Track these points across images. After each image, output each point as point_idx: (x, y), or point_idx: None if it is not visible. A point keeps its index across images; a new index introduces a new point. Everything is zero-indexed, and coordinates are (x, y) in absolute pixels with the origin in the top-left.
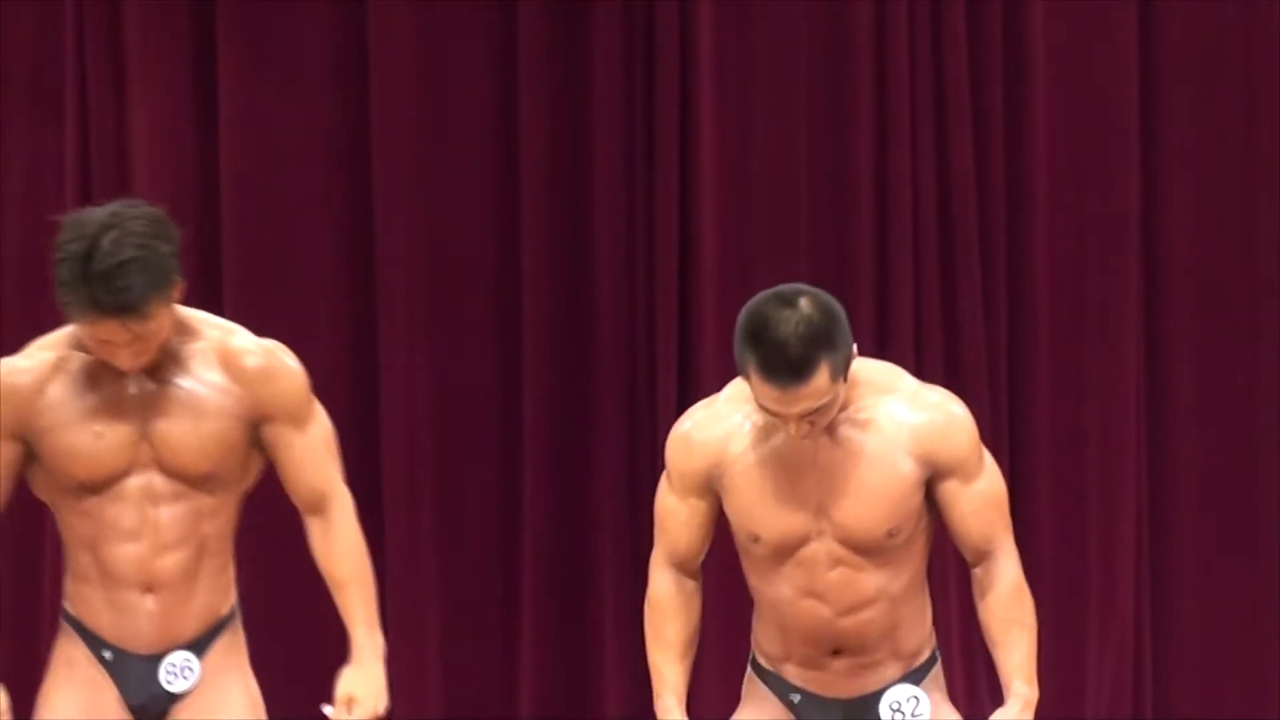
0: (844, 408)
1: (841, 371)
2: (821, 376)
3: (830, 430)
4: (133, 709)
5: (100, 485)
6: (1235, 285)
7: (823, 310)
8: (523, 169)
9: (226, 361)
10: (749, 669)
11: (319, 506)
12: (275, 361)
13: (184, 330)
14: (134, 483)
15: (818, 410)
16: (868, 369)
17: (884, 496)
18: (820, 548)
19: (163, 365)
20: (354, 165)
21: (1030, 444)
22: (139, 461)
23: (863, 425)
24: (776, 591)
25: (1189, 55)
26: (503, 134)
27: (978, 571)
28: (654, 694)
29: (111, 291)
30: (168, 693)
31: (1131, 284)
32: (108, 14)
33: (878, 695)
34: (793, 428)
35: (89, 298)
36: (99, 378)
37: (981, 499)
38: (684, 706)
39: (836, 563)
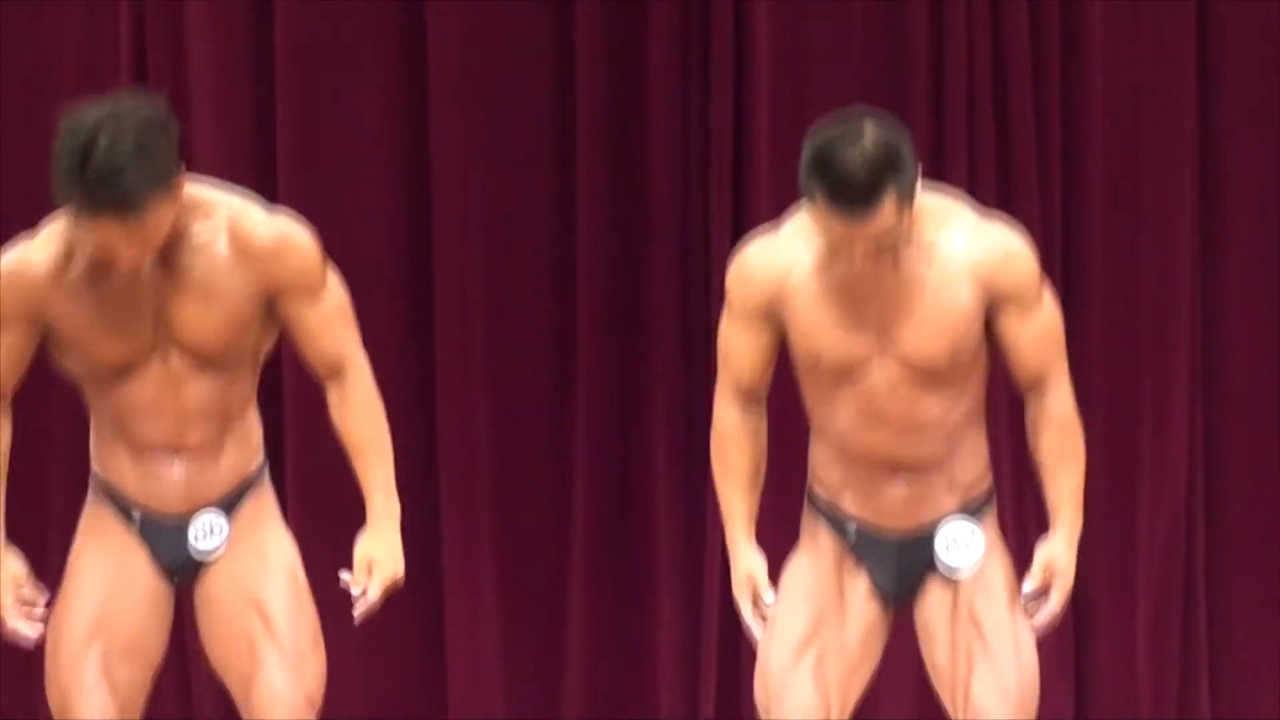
0: (908, 238)
1: (907, 198)
2: (888, 204)
3: (893, 258)
4: (165, 568)
5: (121, 368)
6: None
7: (888, 137)
8: (578, 79)
9: (237, 239)
10: (806, 504)
11: (335, 374)
12: (285, 237)
13: (195, 208)
14: (154, 364)
15: (885, 238)
16: (931, 200)
17: (946, 323)
18: (881, 372)
19: (175, 246)
20: (411, 44)
21: (1084, 317)
22: (157, 344)
23: (925, 254)
24: (837, 416)
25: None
26: (560, 41)
27: (1031, 403)
28: (724, 524)
29: (108, 191)
30: (198, 551)
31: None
32: None
33: (933, 529)
34: (859, 251)
35: (85, 198)
36: (113, 278)
37: (1038, 329)
38: (754, 536)
39: (897, 387)
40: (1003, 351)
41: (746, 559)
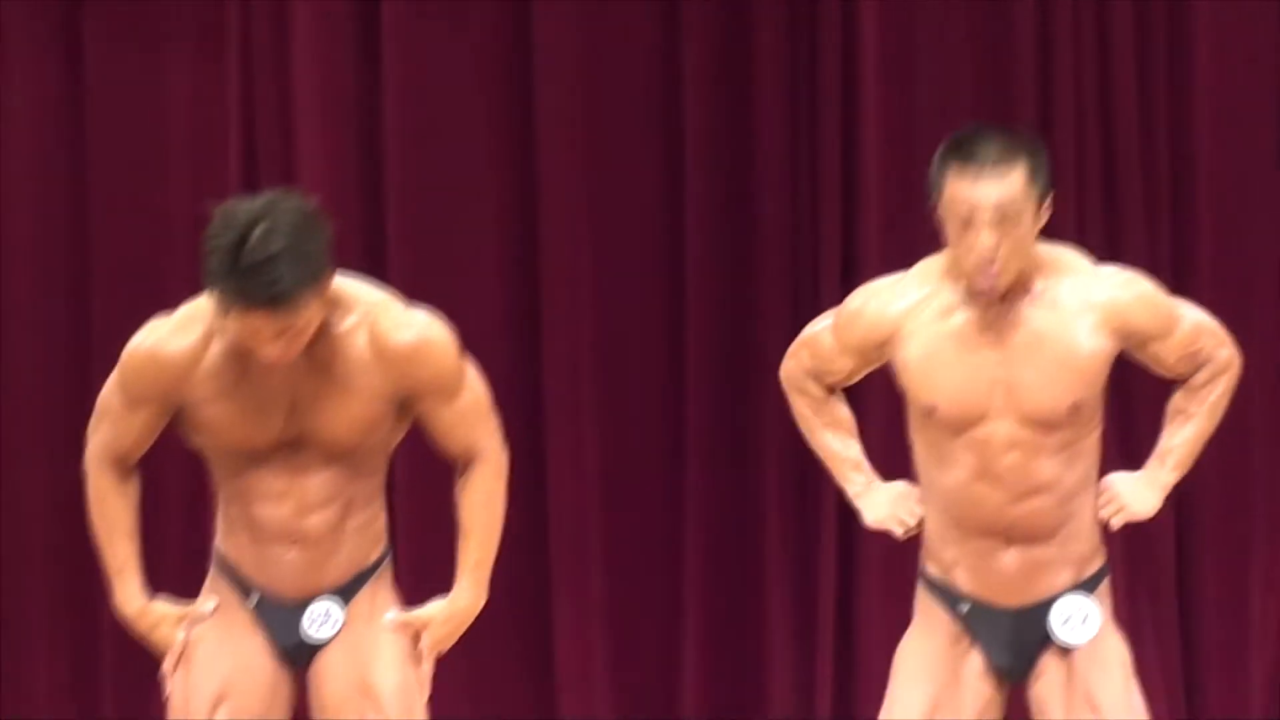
0: (1026, 288)
1: (1038, 189)
2: (1019, 174)
3: (1012, 306)
4: (282, 652)
5: (249, 455)
6: None
7: (1028, 135)
8: (685, 104)
9: (376, 340)
10: (919, 583)
11: (467, 463)
12: (424, 342)
13: (336, 305)
14: (282, 453)
15: (1010, 221)
16: (1049, 250)
17: (1068, 371)
18: (997, 427)
19: (315, 341)
20: (517, 92)
21: None
22: (288, 434)
23: (1046, 303)
24: (949, 478)
25: None
26: (666, 60)
27: None
28: (838, 475)
29: (261, 284)
30: (311, 637)
31: None
32: None
33: (1047, 605)
34: (984, 239)
35: (238, 289)
36: (249, 366)
37: (1183, 343)
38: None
39: (1012, 445)
40: (1158, 371)
41: (871, 510)
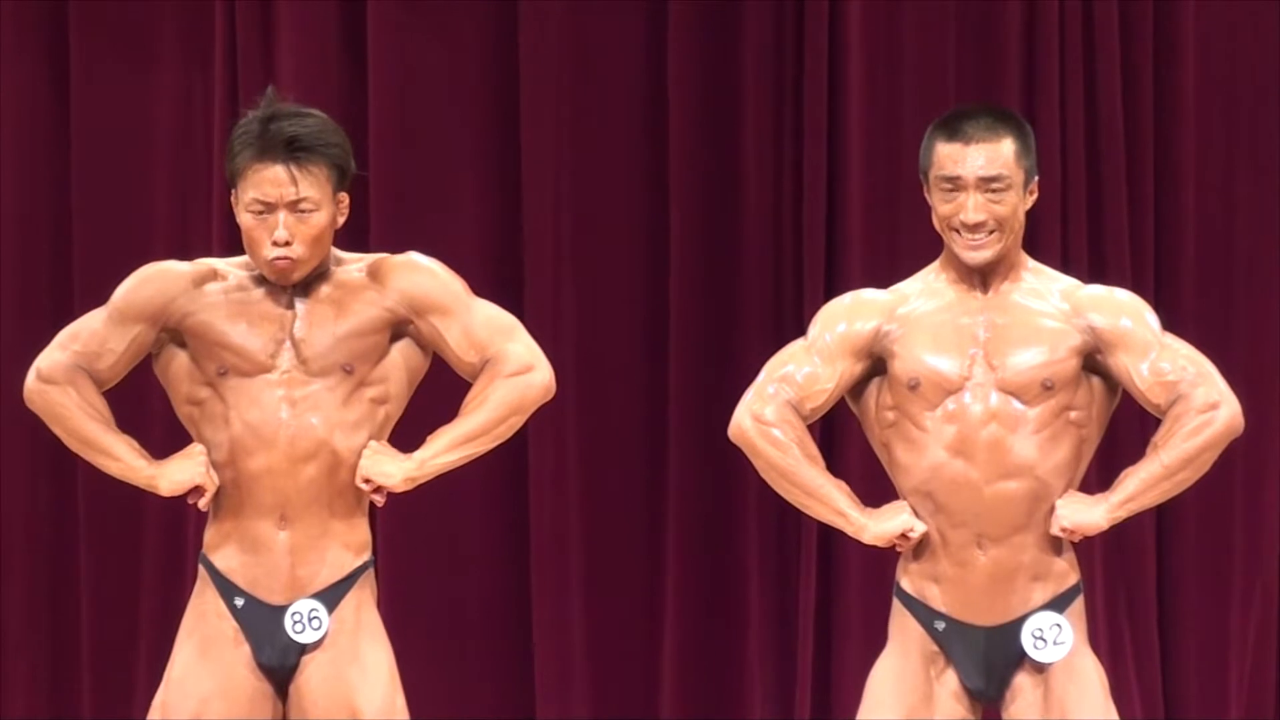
0: (1015, 275)
1: (1026, 164)
2: (1007, 144)
3: (998, 290)
4: (264, 669)
5: (243, 370)
6: None
7: (1016, 114)
8: (670, 107)
9: (373, 266)
10: (894, 600)
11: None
12: (418, 260)
13: (339, 261)
14: (273, 379)
15: (997, 189)
16: (1047, 268)
17: (1042, 344)
18: (976, 396)
19: (315, 285)
20: (501, 98)
21: None
22: (279, 357)
23: (1030, 293)
24: (926, 458)
25: None
26: (651, 61)
27: None
28: (830, 509)
29: (284, 131)
30: (296, 643)
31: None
32: None
33: (1020, 623)
34: (970, 205)
35: (261, 138)
36: (253, 291)
37: (1159, 370)
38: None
39: (991, 418)
40: (1130, 391)
41: (878, 524)
